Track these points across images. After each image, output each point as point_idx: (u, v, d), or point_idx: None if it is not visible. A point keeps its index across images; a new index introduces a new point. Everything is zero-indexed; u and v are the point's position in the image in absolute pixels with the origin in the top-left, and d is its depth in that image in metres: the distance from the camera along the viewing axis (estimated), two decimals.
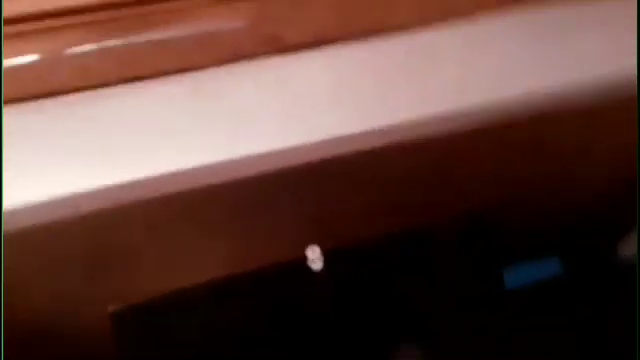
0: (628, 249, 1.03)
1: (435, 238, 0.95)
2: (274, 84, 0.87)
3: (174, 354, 0.88)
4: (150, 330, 0.87)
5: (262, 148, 0.82)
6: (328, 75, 0.88)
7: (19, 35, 0.82)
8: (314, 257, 0.92)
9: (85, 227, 0.83)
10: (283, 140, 0.82)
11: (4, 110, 0.82)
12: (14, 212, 0.77)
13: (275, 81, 0.87)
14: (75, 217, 0.80)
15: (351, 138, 0.85)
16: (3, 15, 0.81)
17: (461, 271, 0.95)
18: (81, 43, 0.84)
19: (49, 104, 0.84)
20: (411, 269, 0.94)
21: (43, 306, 0.88)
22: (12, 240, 0.78)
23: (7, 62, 0.82)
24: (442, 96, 0.88)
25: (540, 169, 1.01)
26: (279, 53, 0.89)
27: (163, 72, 0.86)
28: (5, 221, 0.77)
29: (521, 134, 0.96)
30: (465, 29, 0.92)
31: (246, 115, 0.84)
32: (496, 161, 0.98)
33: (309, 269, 0.92)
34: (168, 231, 0.89)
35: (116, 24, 0.85)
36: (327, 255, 0.92)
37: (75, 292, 0.87)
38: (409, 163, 0.93)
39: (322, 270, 0.92)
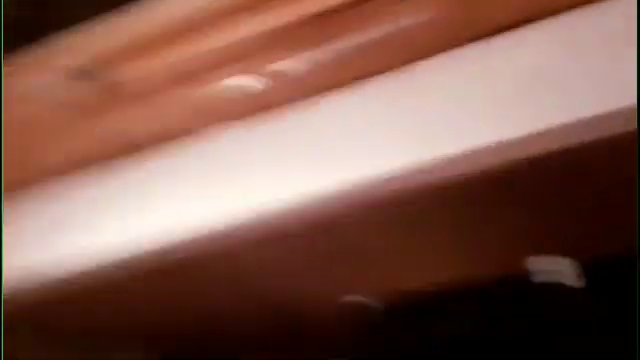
0: None
1: None
2: (478, 70, 0.79)
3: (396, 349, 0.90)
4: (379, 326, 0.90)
5: (476, 143, 0.75)
6: (544, 54, 0.76)
7: (236, 60, 0.92)
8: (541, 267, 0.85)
9: (327, 227, 0.87)
10: (501, 133, 0.73)
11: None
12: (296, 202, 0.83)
13: (478, 67, 0.80)
14: (318, 216, 0.84)
15: (585, 125, 0.71)
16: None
17: None
18: (288, 58, 0.90)
19: (269, 116, 0.92)
20: None
21: (286, 290, 0.97)
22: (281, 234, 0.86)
23: (229, 83, 0.94)
24: None
25: None
26: (479, 39, 0.81)
27: (364, 75, 0.87)
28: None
29: None
30: None
31: (456, 108, 0.79)
32: None
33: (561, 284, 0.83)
34: (397, 231, 0.89)
35: (316, 36, 0.88)
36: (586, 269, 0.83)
37: (315, 281, 0.95)
38: None
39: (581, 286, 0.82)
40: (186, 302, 1.00)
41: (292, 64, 0.90)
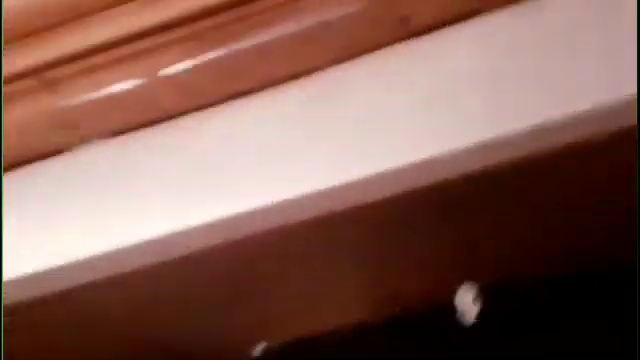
0: None
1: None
2: (406, 76, 0.70)
3: None
4: None
5: (399, 161, 0.66)
6: (475, 56, 0.68)
7: (115, 61, 0.76)
8: (466, 300, 0.76)
9: (222, 257, 0.75)
10: (426, 149, 0.65)
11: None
12: (156, 241, 0.71)
13: (406, 72, 0.70)
14: (208, 247, 0.72)
15: (517, 137, 0.64)
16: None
17: None
18: (180, 60, 0.75)
19: (155, 131, 0.78)
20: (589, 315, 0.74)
21: (184, 335, 0.84)
22: (152, 271, 0.73)
23: (106, 90, 0.77)
24: None
25: None
26: (408, 38, 0.71)
27: (271, 81, 0.75)
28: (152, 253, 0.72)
29: None
30: None
31: (376, 120, 0.69)
32: None
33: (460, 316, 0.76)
34: (303, 262, 0.79)
35: (215, 33, 0.74)
36: (486, 295, 0.76)
37: (214, 326, 0.82)
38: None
39: (479, 315, 0.75)
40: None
41: (185, 67, 0.75)
